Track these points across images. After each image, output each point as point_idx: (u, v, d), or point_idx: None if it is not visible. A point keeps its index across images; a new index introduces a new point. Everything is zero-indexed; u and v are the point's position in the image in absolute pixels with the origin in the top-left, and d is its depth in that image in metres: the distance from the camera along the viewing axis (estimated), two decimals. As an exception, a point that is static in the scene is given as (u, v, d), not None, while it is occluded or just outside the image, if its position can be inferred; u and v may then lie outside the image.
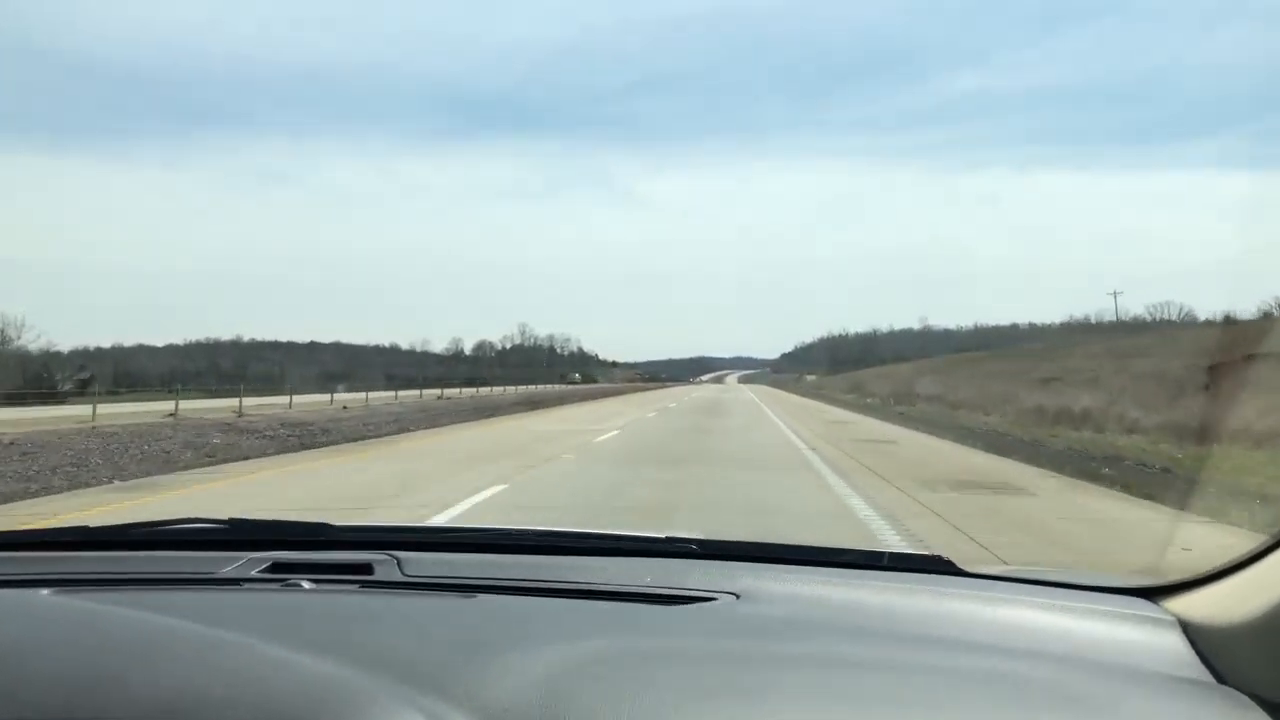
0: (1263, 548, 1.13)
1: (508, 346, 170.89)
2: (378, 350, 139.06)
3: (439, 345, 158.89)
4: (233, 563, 1.46)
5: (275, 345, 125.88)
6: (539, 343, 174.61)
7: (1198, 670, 1.09)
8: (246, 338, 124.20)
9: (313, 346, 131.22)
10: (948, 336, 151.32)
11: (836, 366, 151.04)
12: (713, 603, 1.31)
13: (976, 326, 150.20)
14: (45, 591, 1.26)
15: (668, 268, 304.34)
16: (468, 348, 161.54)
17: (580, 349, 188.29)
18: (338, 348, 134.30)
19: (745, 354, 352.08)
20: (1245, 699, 0.98)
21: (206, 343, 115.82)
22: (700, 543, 1.63)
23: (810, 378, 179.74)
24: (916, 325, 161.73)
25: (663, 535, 1.67)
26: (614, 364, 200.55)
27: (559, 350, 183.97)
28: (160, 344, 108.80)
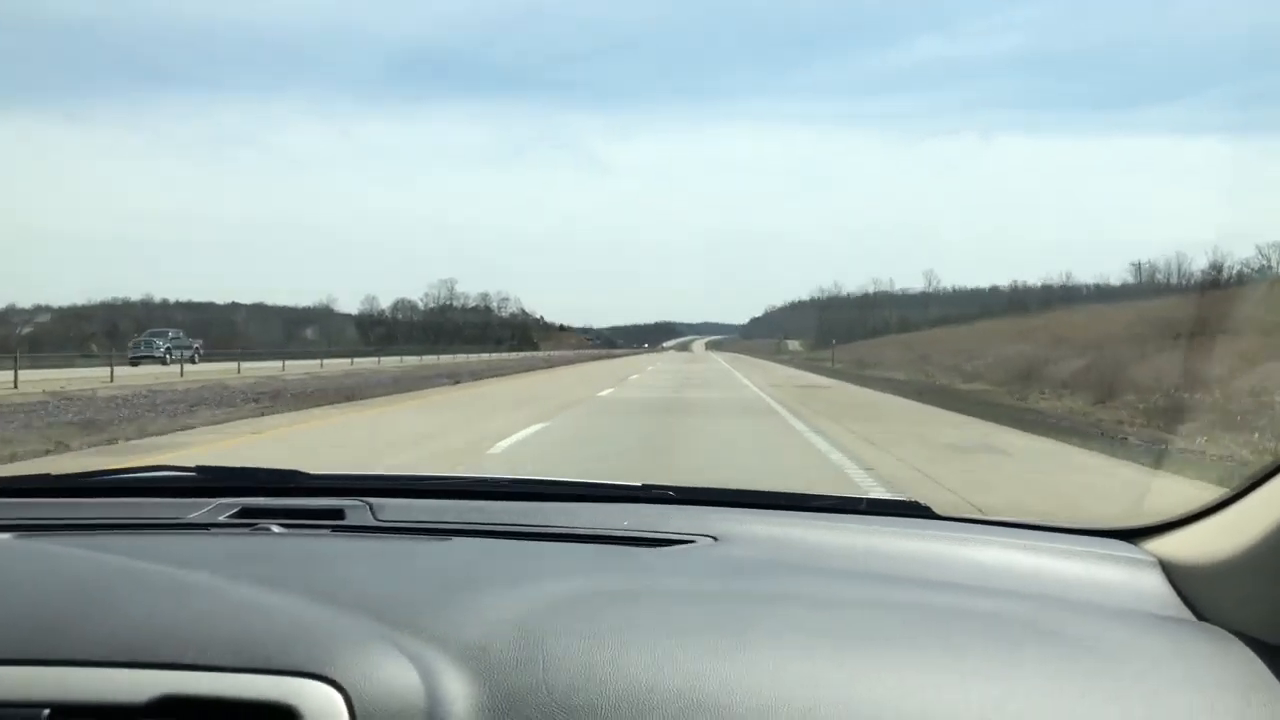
0: (1240, 489, 1.16)
1: (433, 306, 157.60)
2: (304, 311, 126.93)
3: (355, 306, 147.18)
4: (201, 508, 1.48)
5: (187, 306, 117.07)
6: (468, 302, 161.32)
7: (1178, 609, 1.15)
8: (158, 298, 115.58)
9: (233, 308, 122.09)
10: (957, 296, 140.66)
11: (825, 334, 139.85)
12: (691, 545, 1.35)
13: (992, 287, 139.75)
14: (7, 536, 1.28)
15: (633, 233, 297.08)
16: (384, 305, 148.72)
17: (522, 310, 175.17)
18: (259, 309, 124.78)
19: (712, 319, 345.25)
20: (1225, 634, 1.02)
21: (113, 303, 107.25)
22: (678, 489, 1.68)
23: (792, 345, 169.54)
24: (919, 285, 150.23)
25: (639, 484, 1.69)
26: (561, 328, 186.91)
27: (496, 311, 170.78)
28: (63, 304, 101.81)
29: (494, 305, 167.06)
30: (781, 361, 64.67)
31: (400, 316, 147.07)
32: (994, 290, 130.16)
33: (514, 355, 76.04)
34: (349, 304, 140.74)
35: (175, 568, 1.08)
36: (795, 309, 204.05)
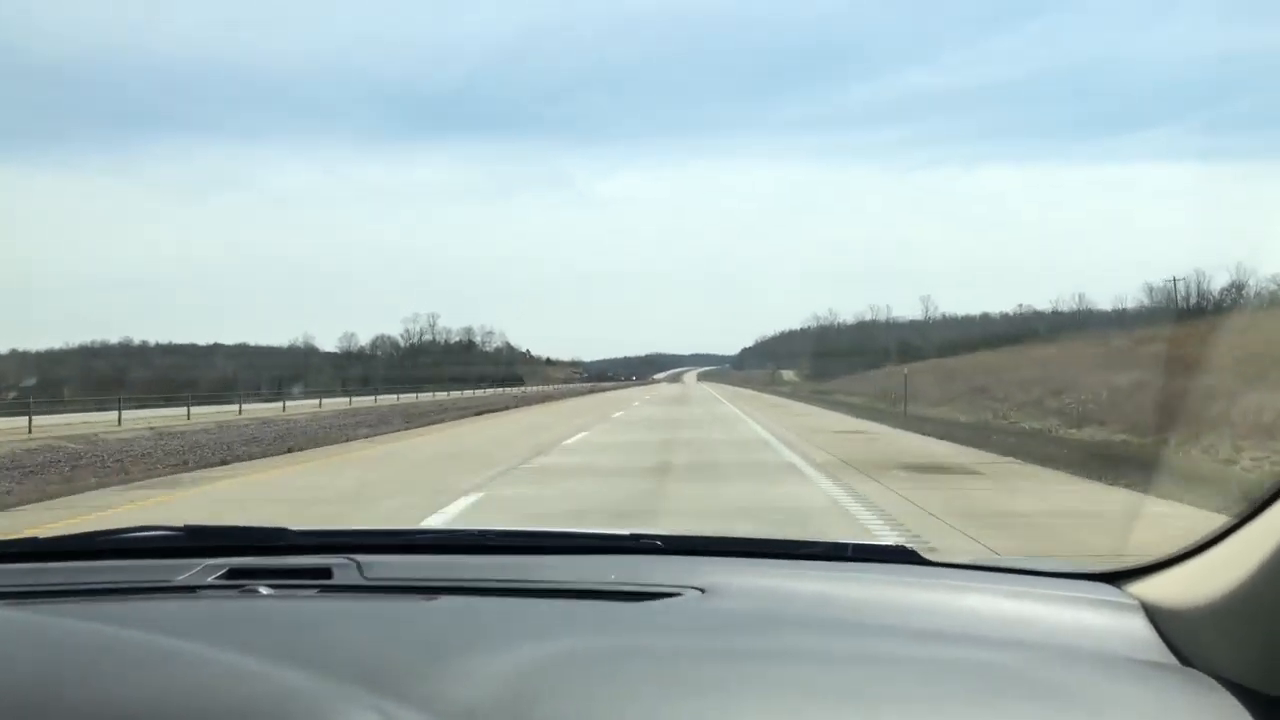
0: (1222, 530, 1.16)
1: (415, 342, 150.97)
2: (286, 351, 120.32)
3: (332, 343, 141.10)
4: (188, 570, 1.48)
5: (167, 348, 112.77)
6: (451, 337, 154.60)
7: (1161, 653, 1.15)
8: (138, 340, 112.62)
9: (214, 349, 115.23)
10: (959, 323, 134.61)
11: (822, 363, 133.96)
12: (678, 598, 1.35)
13: (984, 315, 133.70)
14: None
15: (621, 266, 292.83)
16: (364, 341, 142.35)
17: (507, 344, 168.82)
18: (243, 350, 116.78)
19: (703, 351, 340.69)
20: (1209, 680, 1.02)
21: (91, 346, 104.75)
22: (665, 538, 1.68)
23: (788, 375, 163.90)
24: (914, 312, 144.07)
25: (626, 532, 1.72)
26: (549, 362, 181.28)
27: (480, 346, 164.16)
28: (39, 348, 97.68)
29: (478, 340, 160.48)
30: (781, 394, 57.88)
31: (379, 354, 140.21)
32: (1002, 317, 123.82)
33: (486, 392, 69.88)
34: (332, 342, 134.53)
35: (163, 635, 1.06)
36: (787, 338, 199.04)
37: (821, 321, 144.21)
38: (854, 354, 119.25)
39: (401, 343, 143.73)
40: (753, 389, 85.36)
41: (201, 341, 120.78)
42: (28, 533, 6.81)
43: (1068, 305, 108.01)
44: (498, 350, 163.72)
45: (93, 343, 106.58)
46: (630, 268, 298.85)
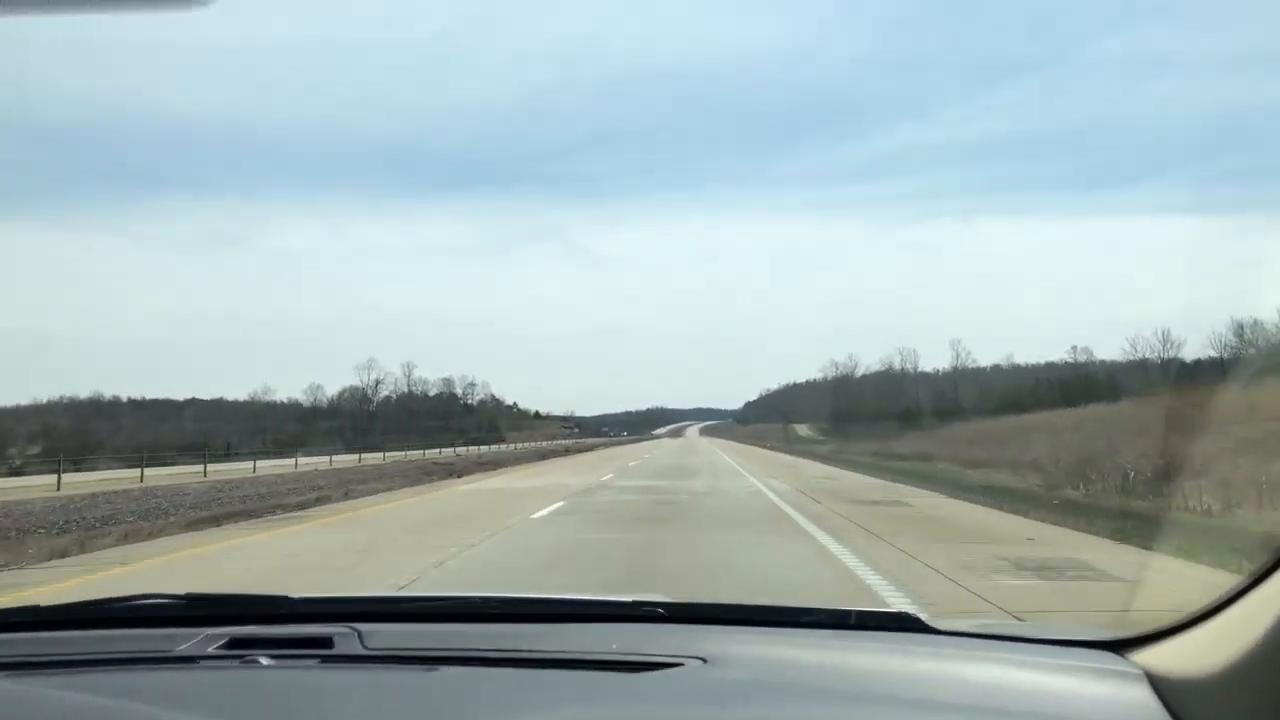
0: (1226, 598, 1.16)
1: (393, 396, 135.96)
2: (264, 406, 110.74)
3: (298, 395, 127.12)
4: (189, 639, 1.45)
5: (139, 403, 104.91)
6: (427, 389, 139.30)
7: None
8: (109, 395, 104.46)
9: (191, 404, 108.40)
10: (986, 376, 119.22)
11: (843, 417, 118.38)
12: (680, 668, 1.33)
13: (1013, 364, 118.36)
14: None
15: (620, 321, 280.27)
16: (331, 393, 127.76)
17: (492, 396, 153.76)
18: (217, 405, 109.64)
19: (705, 405, 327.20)
20: None
21: (62, 402, 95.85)
22: (667, 605, 1.66)
23: (802, 430, 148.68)
24: (945, 364, 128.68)
25: (629, 599, 1.69)
26: (536, 415, 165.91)
27: (464, 399, 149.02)
28: (13, 404, 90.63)
29: (459, 392, 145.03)
30: (817, 457, 42.33)
31: (347, 407, 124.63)
32: (1030, 367, 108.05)
33: (446, 451, 54.68)
34: (303, 395, 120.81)
35: (165, 709, 1.05)
36: (795, 390, 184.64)
37: (841, 369, 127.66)
38: (878, 408, 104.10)
39: (370, 395, 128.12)
40: (766, 446, 69.52)
41: (177, 397, 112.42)
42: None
43: (1084, 355, 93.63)
44: (482, 403, 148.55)
45: (63, 398, 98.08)
46: (629, 323, 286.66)
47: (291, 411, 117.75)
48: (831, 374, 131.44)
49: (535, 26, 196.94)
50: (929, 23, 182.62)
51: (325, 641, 1.44)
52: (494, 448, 71.64)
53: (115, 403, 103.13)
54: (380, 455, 48.43)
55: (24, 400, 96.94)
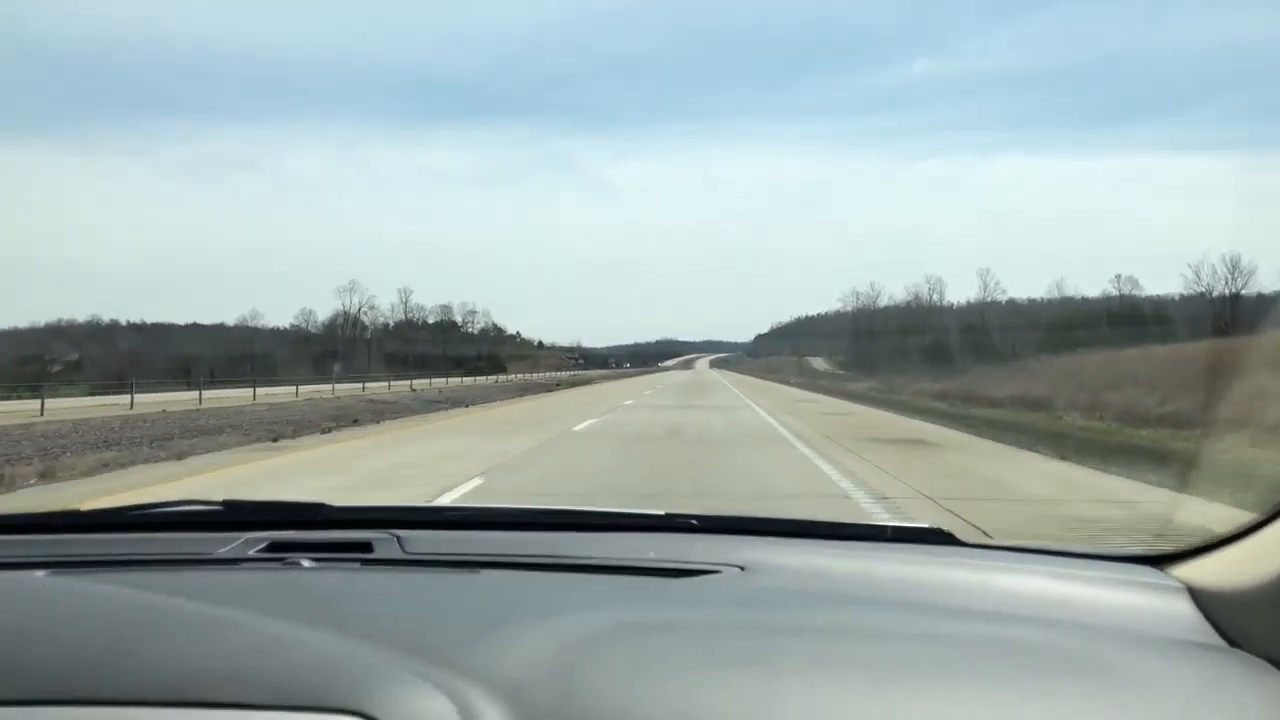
0: (1271, 513, 1.15)
1: (390, 324, 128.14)
2: (270, 332, 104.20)
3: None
4: (229, 543, 1.47)
5: (138, 327, 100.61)
6: (424, 316, 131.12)
7: (1208, 635, 1.12)
8: (107, 318, 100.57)
9: (192, 329, 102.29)
10: (1022, 309, 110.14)
11: (864, 349, 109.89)
12: (717, 575, 1.33)
13: (1056, 297, 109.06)
14: (41, 573, 1.26)
15: (632, 253, 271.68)
16: (323, 318, 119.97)
17: (493, 324, 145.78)
18: (220, 330, 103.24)
19: (715, 338, 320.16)
20: (1259, 661, 1.00)
21: (57, 325, 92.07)
22: (700, 518, 1.65)
23: (817, 363, 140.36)
24: (971, 296, 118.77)
25: (662, 511, 1.68)
26: (540, 345, 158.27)
27: (464, 327, 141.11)
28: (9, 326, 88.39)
29: (459, 319, 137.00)
30: (861, 399, 33.91)
31: (342, 333, 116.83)
32: (1081, 300, 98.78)
33: (420, 383, 46.90)
34: (307, 320, 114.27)
35: (209, 604, 1.06)
36: (810, 323, 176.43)
37: (863, 299, 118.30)
38: (902, 342, 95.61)
39: (354, 320, 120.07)
40: (789, 383, 61.25)
41: (179, 321, 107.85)
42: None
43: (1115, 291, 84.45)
44: (483, 331, 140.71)
45: (59, 321, 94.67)
46: (641, 254, 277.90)
47: (285, 337, 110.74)
48: (852, 305, 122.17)
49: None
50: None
51: (365, 546, 1.44)
52: (490, 379, 64.26)
53: (114, 325, 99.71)
54: (330, 388, 40.62)
55: (21, 324, 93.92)
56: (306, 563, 1.37)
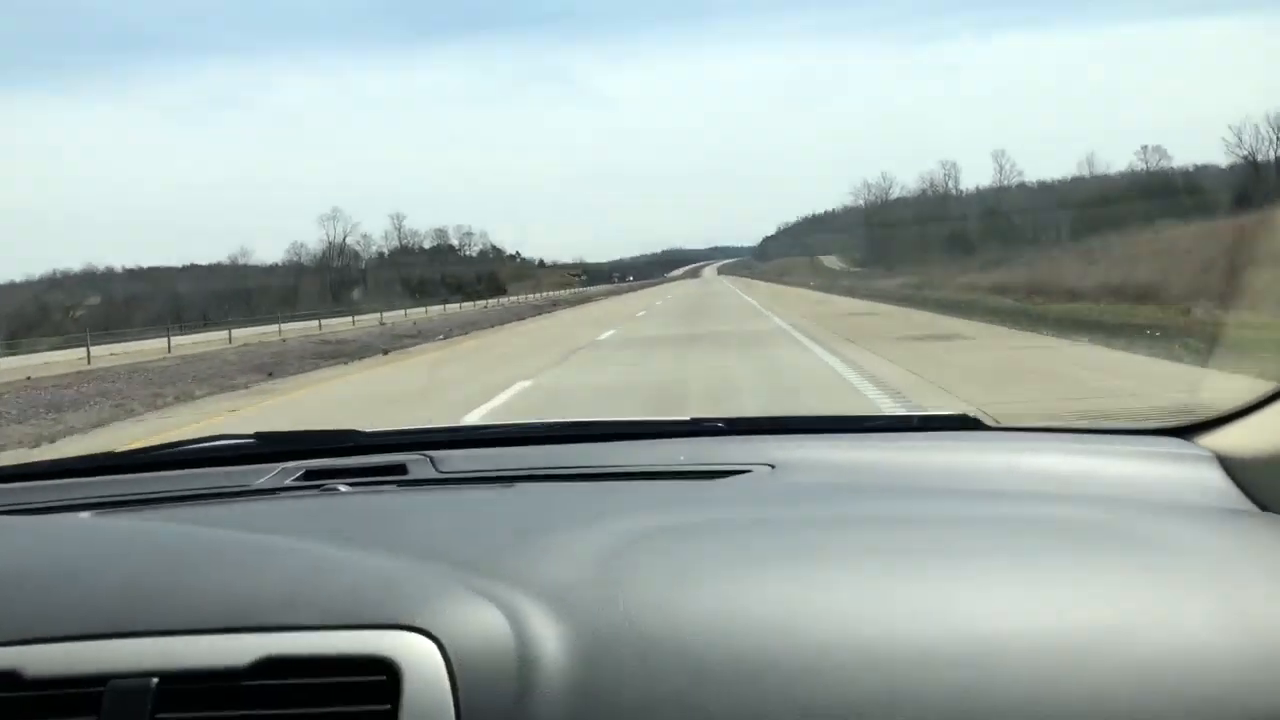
0: None
1: (383, 252, 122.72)
2: (266, 269, 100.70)
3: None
4: (266, 474, 1.47)
5: (134, 272, 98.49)
6: (419, 241, 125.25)
7: (1239, 501, 1.13)
8: (103, 266, 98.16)
9: (190, 270, 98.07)
10: (1043, 190, 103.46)
11: (879, 243, 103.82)
12: (749, 474, 1.34)
13: (1078, 176, 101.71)
14: (85, 515, 1.29)
15: (631, 164, 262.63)
16: (313, 248, 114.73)
17: (492, 246, 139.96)
18: (216, 269, 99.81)
19: (722, 243, 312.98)
20: None
21: (52, 276, 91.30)
22: (727, 421, 1.65)
23: (830, 261, 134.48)
24: (985, 182, 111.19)
25: (688, 418, 1.70)
26: (541, 264, 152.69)
27: (461, 250, 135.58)
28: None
29: (456, 243, 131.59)
30: (892, 297, 28.65)
31: (332, 264, 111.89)
32: (1093, 178, 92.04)
33: (414, 313, 42.31)
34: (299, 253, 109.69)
35: (255, 533, 1.07)
36: (815, 221, 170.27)
37: (874, 191, 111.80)
38: (921, 232, 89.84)
39: (361, 252, 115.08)
40: (810, 285, 55.96)
41: (178, 264, 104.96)
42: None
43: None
44: (481, 254, 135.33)
45: (54, 272, 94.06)
46: (640, 165, 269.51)
47: (279, 273, 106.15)
48: (864, 198, 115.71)
49: None
50: None
51: (400, 469, 1.45)
52: (481, 305, 59.41)
53: (110, 274, 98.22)
54: (317, 323, 36.46)
55: (17, 278, 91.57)
56: (343, 488, 1.37)
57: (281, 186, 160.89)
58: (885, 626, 0.82)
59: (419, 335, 25.62)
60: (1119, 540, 0.97)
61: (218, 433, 1.76)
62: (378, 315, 43.60)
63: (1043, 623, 0.82)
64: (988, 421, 1.54)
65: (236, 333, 32.45)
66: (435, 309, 52.15)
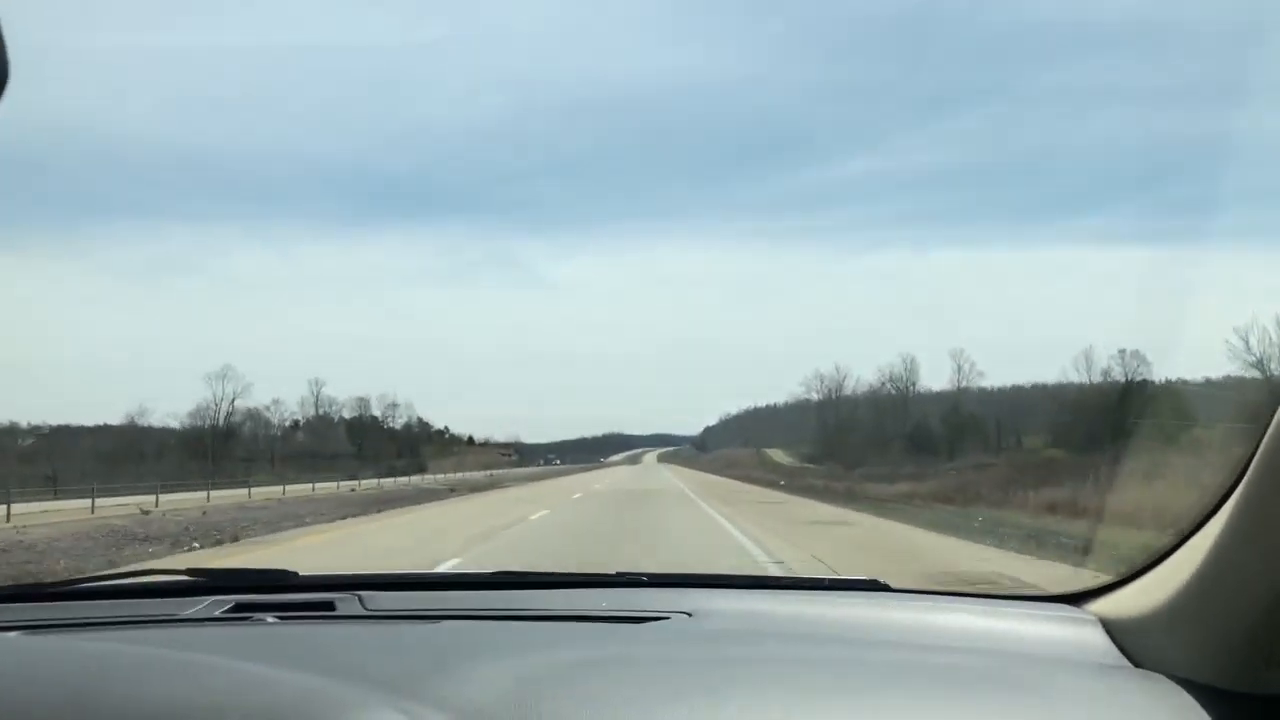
0: (1168, 547, 1.25)
1: (298, 420, 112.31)
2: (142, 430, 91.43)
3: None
4: (195, 605, 1.51)
5: (36, 429, 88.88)
6: (335, 410, 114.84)
7: (1117, 659, 1.24)
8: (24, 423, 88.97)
9: (102, 430, 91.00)
10: (991, 396, 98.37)
11: (834, 441, 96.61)
12: (667, 621, 1.42)
13: (1020, 385, 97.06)
14: (12, 635, 1.30)
15: (576, 348, 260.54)
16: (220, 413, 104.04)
17: (419, 420, 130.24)
18: (130, 429, 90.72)
19: (663, 431, 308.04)
20: (1160, 678, 1.11)
21: None
22: (650, 575, 1.72)
23: (778, 455, 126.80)
24: (945, 383, 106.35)
25: (614, 572, 1.77)
26: (470, 442, 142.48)
27: (384, 422, 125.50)
28: None
29: (379, 414, 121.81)
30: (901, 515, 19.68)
31: (217, 428, 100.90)
32: (1035, 388, 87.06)
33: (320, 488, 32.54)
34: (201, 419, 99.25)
35: (181, 652, 1.09)
36: (759, 414, 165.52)
37: (827, 383, 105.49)
38: (878, 431, 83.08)
39: (273, 419, 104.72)
40: (737, 475, 47.20)
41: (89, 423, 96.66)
42: None
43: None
44: (406, 427, 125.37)
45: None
46: (585, 350, 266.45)
47: (177, 436, 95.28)
48: (816, 390, 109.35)
49: (487, 57, 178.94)
50: (878, 52, 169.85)
51: (328, 605, 1.49)
52: (404, 480, 49.84)
53: (14, 428, 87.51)
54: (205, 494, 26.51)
55: None
56: (271, 619, 1.40)
57: (222, 351, 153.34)
58: None
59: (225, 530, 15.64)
60: (1006, 688, 1.08)
61: (149, 567, 1.56)
62: (279, 487, 40.11)
63: None
64: (894, 585, 1.60)
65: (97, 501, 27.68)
66: (336, 485, 45.94)
